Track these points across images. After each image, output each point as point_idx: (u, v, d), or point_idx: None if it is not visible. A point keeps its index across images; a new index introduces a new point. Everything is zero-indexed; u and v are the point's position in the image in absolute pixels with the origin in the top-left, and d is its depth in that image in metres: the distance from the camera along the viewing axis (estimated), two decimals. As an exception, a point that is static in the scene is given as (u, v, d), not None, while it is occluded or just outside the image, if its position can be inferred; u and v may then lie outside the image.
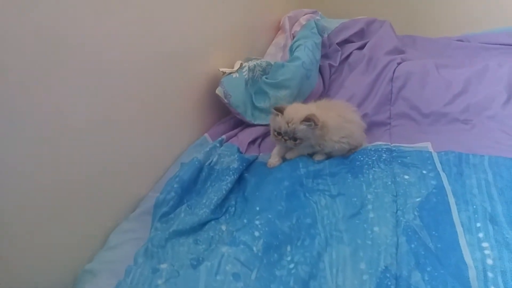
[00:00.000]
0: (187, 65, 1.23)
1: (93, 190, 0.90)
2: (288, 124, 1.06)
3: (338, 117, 1.12)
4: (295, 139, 1.09)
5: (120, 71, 0.95)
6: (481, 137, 1.14)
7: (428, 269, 0.74)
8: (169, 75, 1.14)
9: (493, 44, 1.51)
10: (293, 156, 1.15)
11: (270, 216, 0.88)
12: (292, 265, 0.81)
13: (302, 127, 1.06)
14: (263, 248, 0.81)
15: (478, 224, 0.83)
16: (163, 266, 0.84)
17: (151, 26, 1.05)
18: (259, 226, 0.86)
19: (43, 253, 0.81)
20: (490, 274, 0.73)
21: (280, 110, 1.09)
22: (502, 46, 1.48)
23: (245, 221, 0.90)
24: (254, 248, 0.80)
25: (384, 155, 1.12)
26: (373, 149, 1.16)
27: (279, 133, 1.10)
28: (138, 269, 0.84)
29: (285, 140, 1.09)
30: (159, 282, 0.79)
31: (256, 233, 0.84)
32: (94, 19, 0.85)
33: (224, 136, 1.27)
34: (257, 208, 0.92)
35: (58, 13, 0.76)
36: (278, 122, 1.08)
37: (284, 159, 1.15)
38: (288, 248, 0.85)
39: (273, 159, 1.14)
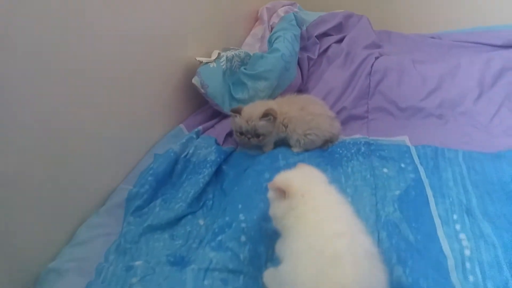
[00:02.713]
0: (162, 52, 1.16)
1: (57, 180, 0.83)
2: (248, 122, 1.07)
3: (301, 110, 1.12)
4: (257, 136, 1.09)
5: (89, 54, 0.88)
6: (454, 132, 1.17)
7: (409, 262, 0.74)
8: (143, 62, 1.08)
9: (463, 42, 1.55)
10: (270, 148, 1.14)
11: (255, 217, 0.84)
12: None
13: (262, 123, 1.07)
14: (250, 256, 0.78)
15: (455, 216, 0.85)
16: (138, 263, 0.79)
17: (124, 9, 0.97)
18: (245, 229, 0.82)
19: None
20: (468, 265, 0.74)
21: (237, 111, 1.09)
22: (472, 44, 1.52)
23: (227, 219, 0.85)
24: (241, 256, 0.77)
25: (362, 148, 1.12)
26: (351, 142, 1.16)
27: (241, 133, 1.10)
28: (110, 267, 0.79)
29: (249, 138, 1.09)
30: (134, 280, 0.75)
31: (243, 238, 0.80)
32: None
33: (200, 127, 1.22)
34: (240, 206, 0.88)
35: None
36: (237, 122, 1.09)
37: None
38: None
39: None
